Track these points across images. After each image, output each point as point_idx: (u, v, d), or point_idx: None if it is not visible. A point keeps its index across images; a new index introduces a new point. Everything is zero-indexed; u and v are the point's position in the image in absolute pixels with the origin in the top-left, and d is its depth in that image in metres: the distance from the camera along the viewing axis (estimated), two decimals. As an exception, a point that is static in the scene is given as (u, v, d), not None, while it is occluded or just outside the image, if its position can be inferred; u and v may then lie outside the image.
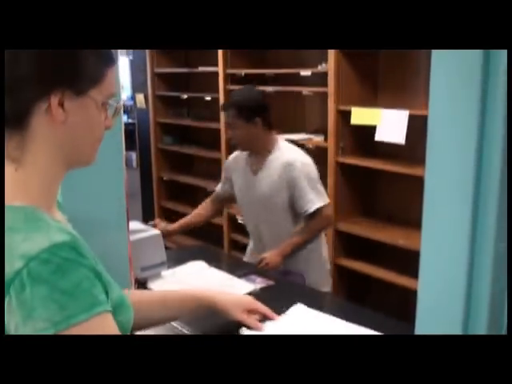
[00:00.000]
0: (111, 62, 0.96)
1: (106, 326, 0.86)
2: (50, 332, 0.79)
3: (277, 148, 2.51)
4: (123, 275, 1.82)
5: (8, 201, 0.88)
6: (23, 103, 0.89)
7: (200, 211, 2.80)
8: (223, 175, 2.80)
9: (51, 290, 0.80)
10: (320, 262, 2.58)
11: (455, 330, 0.89)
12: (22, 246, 0.82)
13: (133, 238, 1.91)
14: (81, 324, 0.81)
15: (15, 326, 0.80)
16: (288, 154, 2.48)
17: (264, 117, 2.49)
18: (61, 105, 0.90)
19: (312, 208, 2.42)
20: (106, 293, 0.89)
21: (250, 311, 1.53)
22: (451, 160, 0.90)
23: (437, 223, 0.94)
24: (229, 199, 2.79)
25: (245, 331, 1.49)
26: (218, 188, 2.80)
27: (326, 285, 2.56)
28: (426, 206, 0.94)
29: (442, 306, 0.94)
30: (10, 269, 0.80)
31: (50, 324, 0.79)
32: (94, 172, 1.72)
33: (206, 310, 1.48)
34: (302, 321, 1.60)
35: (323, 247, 2.62)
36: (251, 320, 1.50)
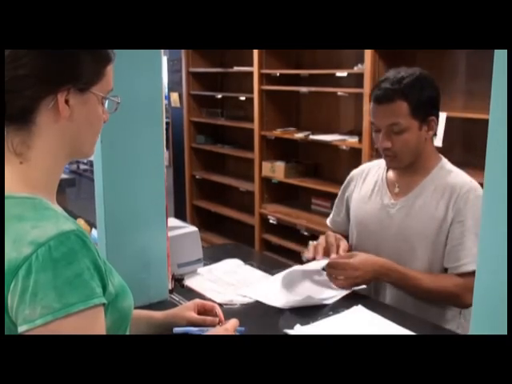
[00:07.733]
0: (109, 59, 1.01)
1: (98, 317, 0.90)
2: (48, 318, 0.82)
3: (440, 166, 1.83)
4: (161, 271, 1.85)
5: (15, 191, 0.92)
6: (29, 101, 0.93)
7: None
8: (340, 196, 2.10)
9: (55, 277, 0.83)
10: None
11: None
12: (31, 233, 0.86)
13: (170, 234, 1.93)
14: (77, 314, 0.84)
15: (16, 309, 0.84)
16: (459, 177, 1.79)
17: (437, 117, 1.85)
18: (66, 101, 0.95)
19: (469, 267, 1.66)
20: (103, 285, 0.92)
21: (204, 312, 1.48)
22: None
23: (495, 230, 0.92)
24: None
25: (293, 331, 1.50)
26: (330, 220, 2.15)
27: None
28: (485, 212, 0.92)
29: (497, 307, 0.92)
30: (19, 254, 0.84)
31: (49, 310, 0.83)
32: (136, 169, 1.76)
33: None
34: (357, 322, 1.61)
35: None
36: (198, 317, 1.45)
